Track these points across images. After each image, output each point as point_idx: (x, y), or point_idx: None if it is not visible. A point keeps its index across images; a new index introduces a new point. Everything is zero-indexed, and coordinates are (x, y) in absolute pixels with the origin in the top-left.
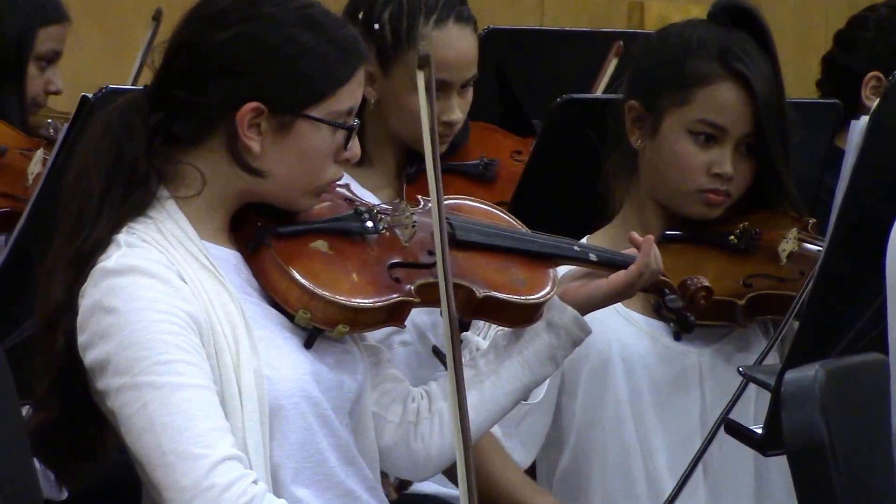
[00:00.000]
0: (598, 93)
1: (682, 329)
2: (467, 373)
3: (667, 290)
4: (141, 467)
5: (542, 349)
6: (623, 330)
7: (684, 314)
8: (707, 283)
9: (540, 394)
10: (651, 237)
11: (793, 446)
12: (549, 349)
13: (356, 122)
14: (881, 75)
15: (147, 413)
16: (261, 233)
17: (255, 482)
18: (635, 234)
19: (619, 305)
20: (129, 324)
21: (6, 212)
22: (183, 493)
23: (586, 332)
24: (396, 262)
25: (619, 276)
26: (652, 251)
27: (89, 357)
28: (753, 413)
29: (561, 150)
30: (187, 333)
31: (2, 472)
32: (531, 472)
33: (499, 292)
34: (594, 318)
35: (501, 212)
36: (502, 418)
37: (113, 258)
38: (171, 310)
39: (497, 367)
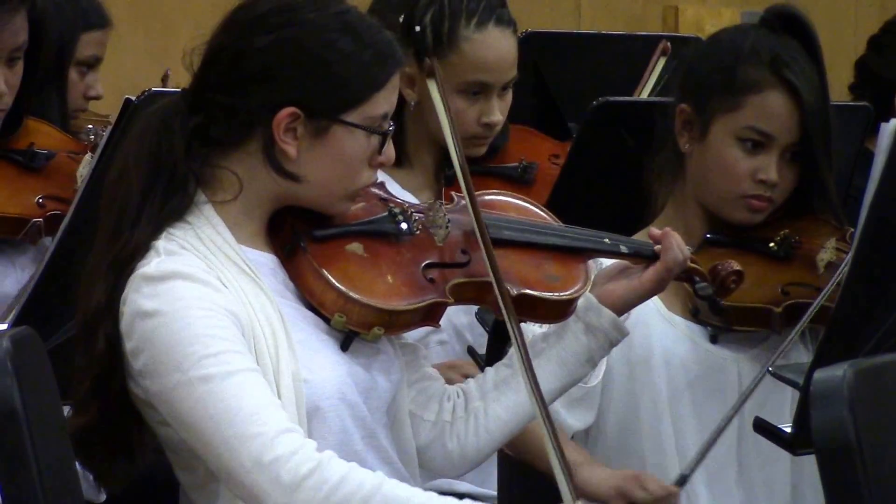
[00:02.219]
0: (646, 93)
1: (713, 311)
2: (505, 372)
3: (697, 278)
4: (189, 469)
5: (580, 351)
6: (663, 332)
7: (715, 300)
8: (738, 267)
9: (599, 375)
10: (669, 230)
11: (821, 445)
12: (587, 351)
13: (391, 126)
14: None
15: (202, 405)
16: (296, 236)
17: (317, 450)
18: (654, 230)
19: (660, 307)
20: (174, 323)
21: (56, 214)
22: (249, 473)
23: (623, 333)
24: (431, 263)
25: (648, 275)
26: (674, 243)
27: (140, 362)
28: (790, 415)
29: (597, 153)
30: (231, 326)
31: (45, 473)
32: None
33: (533, 290)
34: (636, 320)
35: (533, 205)
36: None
37: (153, 264)
38: (214, 306)
39: (535, 368)
